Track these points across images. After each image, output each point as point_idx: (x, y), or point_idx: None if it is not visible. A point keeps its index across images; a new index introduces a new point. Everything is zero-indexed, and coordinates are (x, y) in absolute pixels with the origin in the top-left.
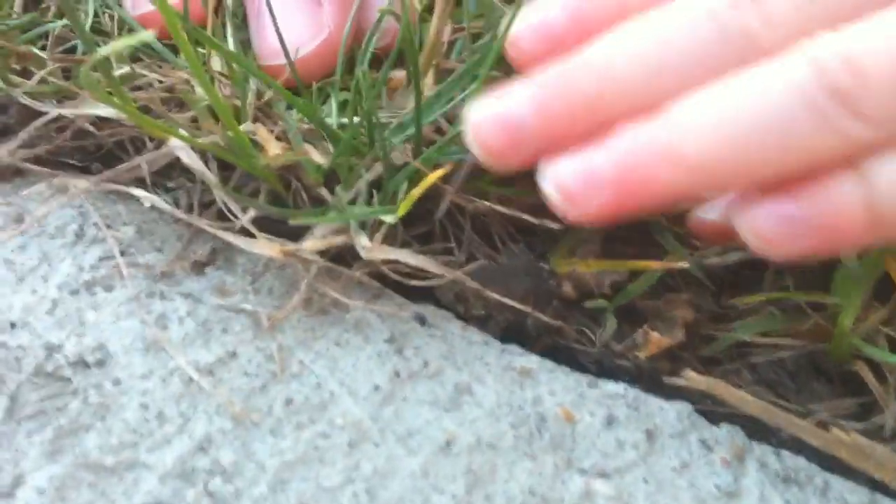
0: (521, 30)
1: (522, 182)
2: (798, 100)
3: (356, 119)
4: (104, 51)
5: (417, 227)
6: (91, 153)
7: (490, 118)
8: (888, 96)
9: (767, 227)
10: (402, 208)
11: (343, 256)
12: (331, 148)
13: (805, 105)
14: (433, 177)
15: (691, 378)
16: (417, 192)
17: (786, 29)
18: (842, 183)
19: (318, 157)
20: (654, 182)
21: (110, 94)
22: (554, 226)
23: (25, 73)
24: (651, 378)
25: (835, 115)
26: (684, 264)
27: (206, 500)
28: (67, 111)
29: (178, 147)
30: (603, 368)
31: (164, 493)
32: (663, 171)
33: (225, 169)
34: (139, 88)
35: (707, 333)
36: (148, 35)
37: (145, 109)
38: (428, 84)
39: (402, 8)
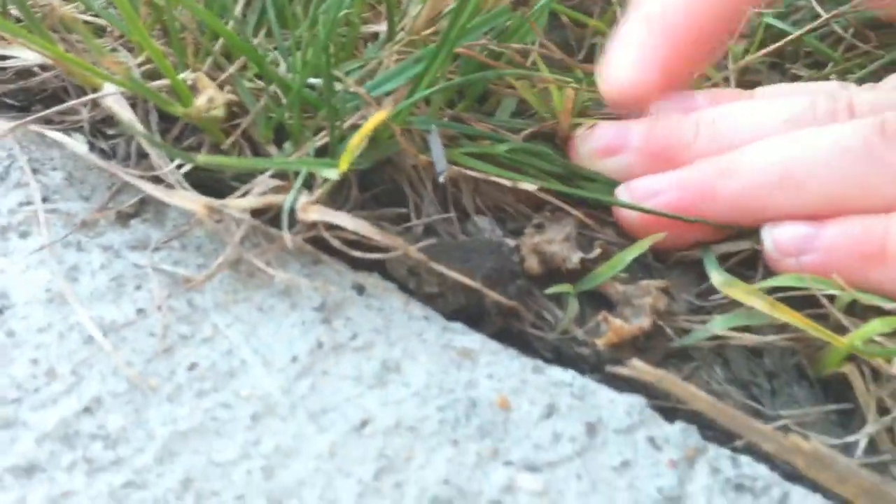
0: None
1: (497, 161)
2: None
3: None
4: None
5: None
6: (35, 94)
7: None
8: None
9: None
10: (344, 161)
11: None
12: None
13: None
14: (380, 115)
15: (637, 368)
16: (358, 140)
17: None
18: None
19: (219, 97)
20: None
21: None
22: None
23: None
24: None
25: None
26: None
27: (82, 465)
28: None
29: (110, 93)
30: (560, 356)
31: (39, 455)
32: (720, 184)
33: (167, 120)
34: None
35: (682, 326)
36: None
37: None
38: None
39: None
